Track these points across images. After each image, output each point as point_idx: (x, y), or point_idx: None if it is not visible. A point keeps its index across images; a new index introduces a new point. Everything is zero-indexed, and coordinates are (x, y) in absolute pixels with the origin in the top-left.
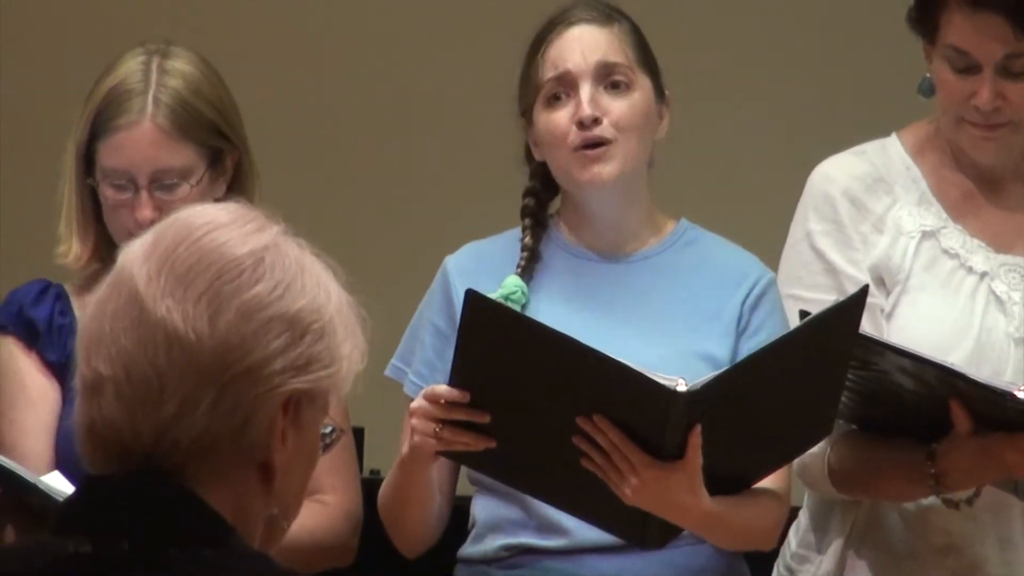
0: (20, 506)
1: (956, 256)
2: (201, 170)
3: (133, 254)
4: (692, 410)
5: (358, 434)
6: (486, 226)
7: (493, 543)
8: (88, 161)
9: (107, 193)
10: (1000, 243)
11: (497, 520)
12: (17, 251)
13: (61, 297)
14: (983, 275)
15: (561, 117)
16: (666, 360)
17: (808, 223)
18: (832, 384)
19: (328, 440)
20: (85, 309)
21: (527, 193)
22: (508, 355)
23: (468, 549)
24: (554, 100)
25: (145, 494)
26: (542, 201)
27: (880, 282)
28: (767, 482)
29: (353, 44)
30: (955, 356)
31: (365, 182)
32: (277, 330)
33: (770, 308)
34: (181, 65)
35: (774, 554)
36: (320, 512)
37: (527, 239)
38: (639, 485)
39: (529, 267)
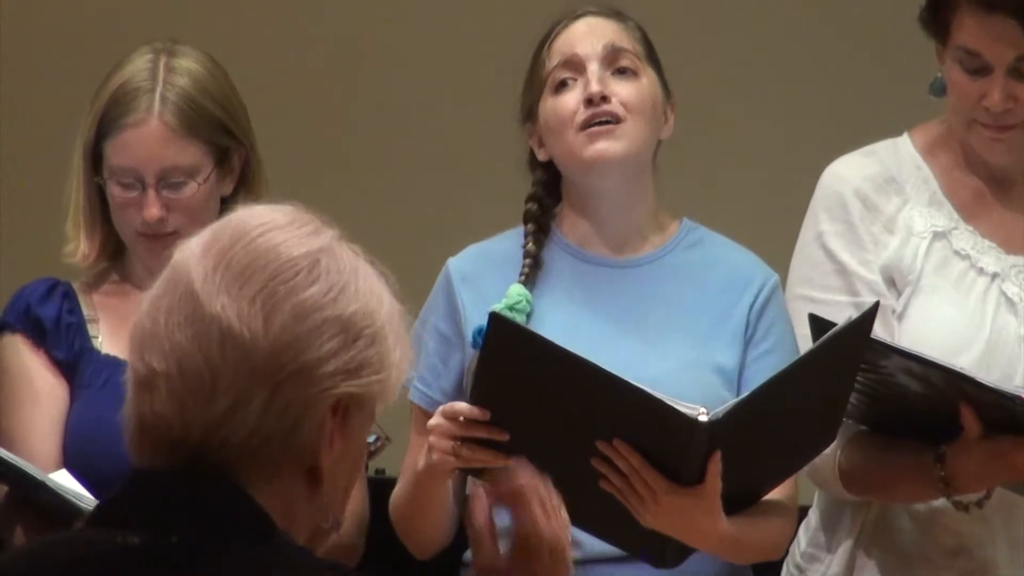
0: (28, 504)
1: (967, 257)
2: (208, 168)
3: (189, 251)
4: (713, 438)
5: None
6: (489, 226)
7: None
8: (95, 160)
9: (114, 191)
10: (1011, 244)
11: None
12: (24, 249)
13: (69, 295)
14: (994, 276)
15: (569, 98)
16: (675, 371)
17: (819, 224)
18: (840, 395)
19: (373, 448)
20: (93, 307)
21: (530, 198)
22: (530, 376)
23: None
24: (561, 86)
25: (195, 490)
26: (545, 206)
27: (891, 283)
28: (776, 492)
29: (360, 44)
30: (966, 357)
31: (370, 181)
32: (330, 332)
33: (775, 313)
34: (188, 63)
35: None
36: None
37: (530, 245)
38: (658, 510)
39: (532, 274)
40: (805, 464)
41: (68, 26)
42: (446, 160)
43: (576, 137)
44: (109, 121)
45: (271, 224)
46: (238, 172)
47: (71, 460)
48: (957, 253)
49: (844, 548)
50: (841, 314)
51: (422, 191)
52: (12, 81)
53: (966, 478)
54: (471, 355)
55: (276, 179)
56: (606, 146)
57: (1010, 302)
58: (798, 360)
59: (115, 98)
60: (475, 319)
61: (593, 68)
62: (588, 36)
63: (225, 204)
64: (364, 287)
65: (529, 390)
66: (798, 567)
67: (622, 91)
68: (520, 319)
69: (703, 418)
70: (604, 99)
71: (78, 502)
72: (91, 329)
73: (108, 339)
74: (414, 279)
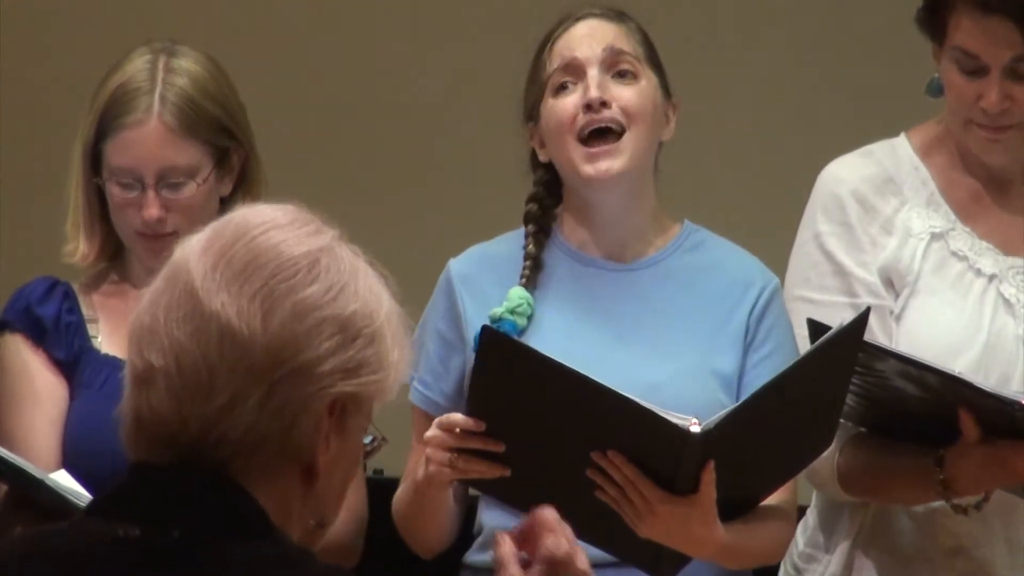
0: (27, 503)
1: (965, 258)
2: (208, 169)
3: (190, 249)
4: (706, 448)
5: None
6: (491, 226)
7: None
8: (95, 160)
9: (114, 192)
10: (1009, 245)
11: (504, 530)
12: (24, 249)
13: (68, 295)
14: (992, 277)
15: (569, 102)
16: (674, 376)
17: (817, 224)
18: (835, 400)
19: (370, 448)
20: (92, 307)
21: (531, 199)
22: (523, 388)
23: (473, 556)
24: (561, 89)
25: (195, 484)
26: (546, 207)
27: (889, 284)
28: (774, 497)
29: (360, 43)
30: (964, 359)
31: (369, 181)
32: (329, 331)
33: (775, 317)
34: (187, 64)
35: None
36: None
37: (531, 247)
38: (654, 520)
39: (533, 276)
40: (803, 468)
41: (68, 26)
42: (447, 160)
43: (576, 150)
44: (108, 121)
45: (272, 223)
46: (237, 172)
47: (70, 460)
48: (955, 254)
49: (842, 549)
50: (839, 315)
51: (422, 191)
52: (12, 81)
53: (965, 481)
54: (472, 357)
55: (275, 179)
56: (607, 165)
57: (1008, 303)
58: (790, 367)
59: (114, 98)
60: (476, 321)
61: (593, 72)
62: (588, 39)
63: (224, 204)
64: (363, 287)
65: (523, 402)
66: (796, 567)
67: (622, 95)
68: (521, 322)
69: (695, 428)
70: (604, 104)
71: (77, 501)
72: (90, 329)
73: (107, 339)
74: (414, 280)
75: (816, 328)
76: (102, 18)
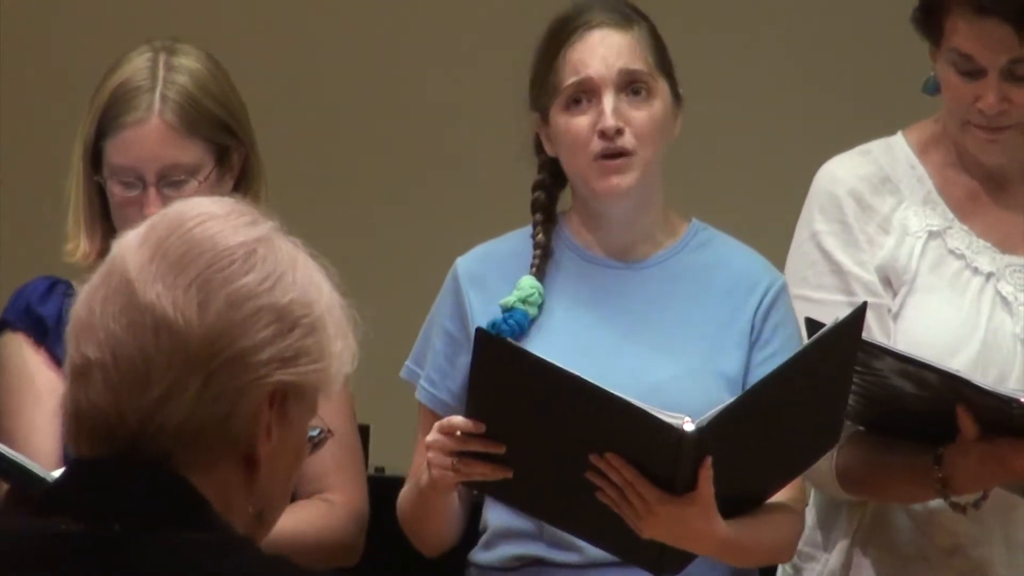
0: (29, 502)
1: (962, 257)
2: (209, 167)
3: (126, 243)
4: (701, 446)
5: (363, 431)
6: (497, 221)
7: (504, 552)
8: (95, 158)
9: (115, 190)
10: (1006, 244)
11: (509, 529)
12: (24, 249)
13: (69, 294)
14: (989, 276)
15: (582, 124)
16: (678, 376)
17: (814, 223)
18: (837, 397)
19: (316, 440)
20: None
21: (537, 187)
22: (520, 390)
23: (479, 555)
24: (574, 104)
25: (135, 477)
26: (552, 195)
27: (887, 282)
28: (781, 495)
29: (361, 42)
30: (961, 357)
31: (369, 179)
32: (265, 320)
33: (781, 316)
34: (188, 62)
35: None
36: (326, 511)
37: (540, 236)
38: (654, 521)
39: (543, 265)
40: (806, 468)
41: (68, 25)
42: (449, 158)
43: (589, 165)
44: (109, 120)
45: (208, 215)
46: (238, 170)
47: (71, 458)
48: (952, 252)
49: (840, 547)
50: (837, 313)
51: (424, 189)
52: (12, 81)
53: (964, 479)
54: None
55: (275, 178)
56: (618, 181)
57: (1005, 302)
58: (786, 362)
59: (115, 97)
60: (482, 319)
61: (608, 97)
62: (601, 55)
63: None
64: (302, 277)
65: (521, 403)
66: (794, 566)
67: (636, 119)
68: (532, 311)
69: (688, 427)
70: (619, 132)
71: None
72: None
73: None
74: (411, 278)
75: (814, 327)
76: (102, 17)
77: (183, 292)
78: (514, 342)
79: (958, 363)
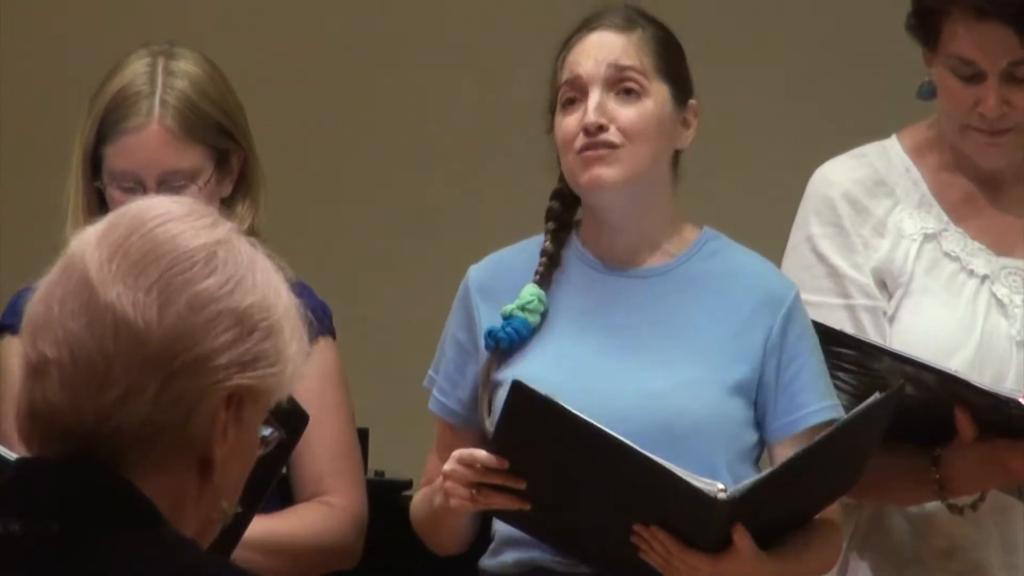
0: None
1: (957, 259)
2: (209, 171)
3: (85, 240)
4: (733, 512)
5: (362, 435)
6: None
7: (509, 558)
8: (95, 163)
9: (115, 195)
10: (1001, 246)
11: (515, 535)
12: (24, 250)
13: None
14: (984, 278)
15: (571, 122)
16: (680, 386)
17: (809, 227)
18: (865, 453)
19: (268, 440)
20: None
21: (554, 196)
22: (550, 440)
23: (487, 561)
24: (568, 104)
25: (76, 478)
26: (568, 205)
27: (882, 285)
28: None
29: (362, 43)
30: (957, 359)
31: (369, 181)
32: (225, 324)
33: (800, 330)
34: (186, 66)
35: None
36: (325, 514)
37: (547, 244)
38: None
39: (548, 274)
40: (831, 503)
41: (67, 27)
42: (448, 161)
43: (574, 159)
44: (109, 125)
45: (169, 215)
46: (237, 174)
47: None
48: (947, 255)
49: None
50: (833, 316)
51: (423, 193)
52: (12, 82)
53: (961, 481)
54: (485, 360)
55: (275, 181)
56: (600, 172)
57: (1000, 304)
58: (821, 439)
59: (115, 102)
60: None
61: (594, 93)
62: (593, 55)
63: (224, 206)
64: (261, 280)
65: (549, 451)
66: None
67: (622, 116)
68: (533, 319)
69: (722, 496)
70: (601, 128)
71: None
72: None
73: None
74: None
75: (820, 330)
76: (102, 18)
77: (144, 294)
78: (548, 395)
79: (954, 365)
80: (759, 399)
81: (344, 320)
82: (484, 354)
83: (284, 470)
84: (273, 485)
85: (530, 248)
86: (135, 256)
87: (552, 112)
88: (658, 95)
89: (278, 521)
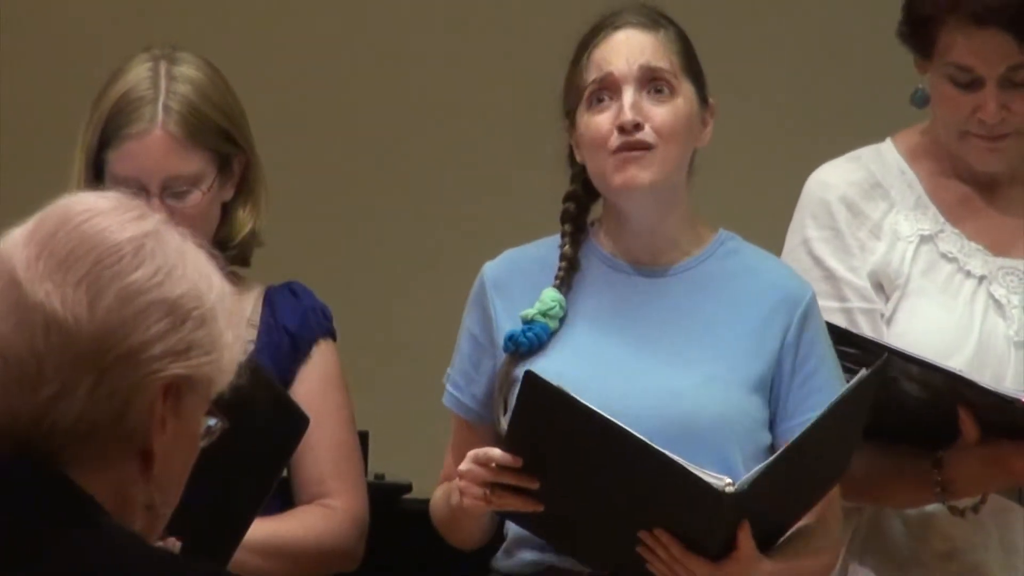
0: None
1: (954, 260)
2: (211, 176)
3: (12, 240)
4: (739, 508)
5: (362, 438)
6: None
7: (522, 558)
8: (97, 168)
9: None
10: (998, 246)
11: (528, 536)
12: None
13: None
14: (981, 279)
15: (603, 120)
16: (700, 384)
17: (805, 230)
18: (855, 433)
19: (213, 430)
20: None
21: (568, 197)
22: (561, 433)
23: (500, 562)
24: (597, 102)
25: (13, 477)
26: (583, 206)
27: (879, 288)
28: (820, 512)
29: (362, 44)
30: (955, 361)
31: (368, 183)
32: (157, 315)
33: (815, 332)
34: (189, 71)
35: None
36: (326, 517)
37: (566, 247)
38: None
39: (568, 277)
40: (825, 494)
41: (68, 28)
42: (449, 163)
43: (607, 160)
44: (112, 131)
45: (95, 210)
46: (238, 177)
47: None
48: (944, 256)
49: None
50: (831, 319)
51: (423, 192)
52: (12, 83)
53: (964, 483)
54: (502, 359)
55: (276, 181)
56: (635, 173)
57: (998, 304)
58: (817, 419)
59: (117, 107)
60: (506, 326)
61: (628, 92)
62: (624, 54)
63: (226, 209)
64: (192, 269)
65: (561, 445)
66: None
67: (656, 115)
68: (552, 324)
69: (729, 489)
70: (637, 127)
71: None
72: None
73: None
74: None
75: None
76: (103, 20)
77: (72, 290)
78: (562, 388)
79: (952, 366)
80: (771, 398)
81: (344, 322)
82: (500, 351)
83: (285, 473)
84: (274, 487)
85: (545, 247)
86: (62, 253)
87: (569, 113)
88: (687, 94)
89: (279, 524)
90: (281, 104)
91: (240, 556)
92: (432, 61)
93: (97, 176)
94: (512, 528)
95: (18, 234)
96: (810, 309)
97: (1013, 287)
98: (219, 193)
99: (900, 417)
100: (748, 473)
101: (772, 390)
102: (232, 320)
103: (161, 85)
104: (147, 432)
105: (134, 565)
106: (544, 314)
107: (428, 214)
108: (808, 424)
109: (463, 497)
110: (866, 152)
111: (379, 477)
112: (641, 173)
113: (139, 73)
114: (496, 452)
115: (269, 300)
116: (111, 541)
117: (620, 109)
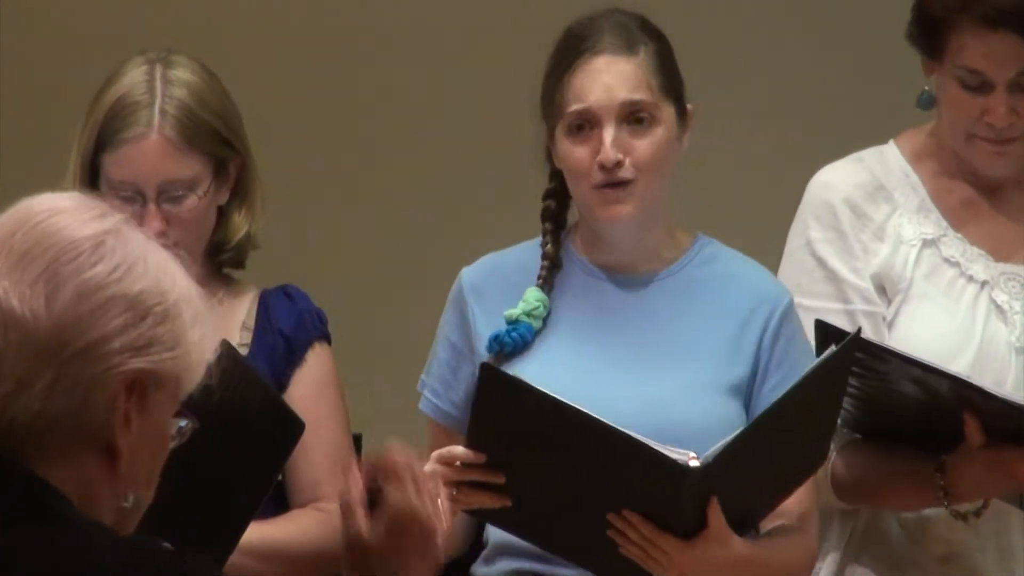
0: None
1: (956, 265)
2: (208, 180)
3: None
4: (706, 483)
5: (357, 441)
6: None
7: (503, 567)
8: (93, 172)
9: (114, 205)
10: (1000, 252)
11: (509, 544)
12: None
13: None
14: (983, 284)
15: (584, 153)
16: (680, 390)
17: (809, 231)
18: (831, 416)
19: (183, 432)
20: None
21: (547, 195)
22: (523, 423)
23: (479, 569)
24: (576, 130)
25: None
26: (563, 203)
27: (881, 290)
28: (794, 507)
29: (360, 45)
30: (957, 365)
31: (371, 189)
32: (116, 310)
33: (790, 336)
34: (184, 75)
35: None
36: (321, 520)
37: (548, 247)
38: (678, 569)
39: (550, 277)
40: (798, 487)
41: (62, 31)
42: (446, 166)
43: (589, 193)
44: (108, 135)
45: (54, 209)
46: (234, 180)
47: None
48: (947, 260)
49: (833, 557)
50: (832, 321)
51: (418, 195)
52: (7, 86)
53: (967, 487)
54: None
55: (271, 184)
56: (619, 209)
57: (1000, 310)
58: (786, 393)
59: (114, 112)
60: (484, 331)
61: (608, 128)
62: (604, 85)
63: (221, 212)
64: (153, 266)
65: (523, 435)
66: None
67: (637, 149)
68: (536, 324)
69: (693, 463)
70: (618, 164)
71: None
72: None
73: None
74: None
75: (824, 329)
76: (97, 22)
77: (29, 286)
78: (518, 377)
79: (966, 374)
80: (746, 400)
81: (339, 326)
82: (479, 356)
83: (280, 476)
84: (269, 491)
85: (524, 251)
86: (20, 251)
87: (547, 120)
88: (667, 119)
89: (274, 527)
90: (276, 106)
91: (236, 559)
92: (432, 62)
93: (92, 180)
94: (492, 535)
95: None
96: (787, 314)
97: (1015, 293)
98: (215, 196)
99: (900, 420)
100: (713, 447)
101: (747, 393)
102: (200, 319)
103: (157, 89)
104: (109, 428)
105: (101, 554)
106: (528, 314)
107: (425, 218)
108: (776, 401)
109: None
110: (869, 154)
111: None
112: (624, 208)
113: (135, 77)
114: (459, 450)
115: (264, 303)
116: (77, 533)
117: (601, 144)
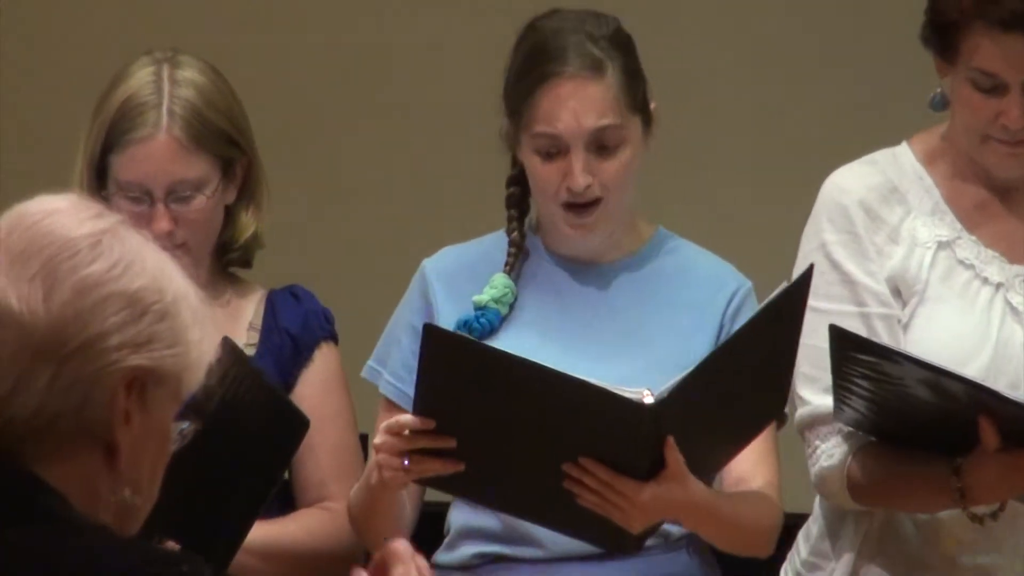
0: None
1: (971, 267)
2: (215, 180)
3: None
4: (662, 420)
5: (363, 441)
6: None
7: (466, 551)
8: (100, 173)
9: (121, 205)
10: (1014, 253)
11: (470, 528)
12: None
13: None
14: (998, 286)
15: (552, 173)
16: (644, 371)
17: (823, 233)
18: (786, 363)
19: (184, 435)
20: None
21: (511, 182)
22: (471, 382)
23: (441, 556)
24: (544, 151)
25: None
26: (526, 188)
27: (897, 293)
28: (757, 483)
29: (367, 42)
30: (972, 367)
31: (367, 184)
32: (115, 307)
33: (751, 315)
34: (192, 75)
35: (773, 565)
36: (327, 519)
37: (514, 233)
38: (640, 513)
39: (516, 263)
40: (755, 437)
41: (68, 31)
42: (450, 165)
43: (557, 211)
44: (116, 136)
45: (51, 210)
46: (240, 180)
47: None
48: (961, 263)
49: (847, 557)
50: (847, 324)
51: (424, 195)
52: (13, 86)
53: (983, 490)
54: None
55: (277, 184)
56: (586, 227)
57: (1015, 311)
58: (738, 331)
59: (121, 112)
60: (448, 316)
61: (578, 155)
62: (572, 111)
63: (228, 212)
64: (151, 265)
65: (472, 395)
66: (799, 575)
67: (605, 171)
68: (504, 310)
69: (648, 399)
70: (587, 187)
71: None
72: None
73: None
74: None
75: (839, 334)
76: (103, 22)
77: (27, 284)
78: (462, 334)
79: (969, 374)
80: None
81: (346, 326)
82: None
83: (286, 475)
84: (274, 490)
85: (486, 243)
86: (17, 250)
87: (511, 118)
88: (634, 135)
89: (280, 526)
90: (282, 106)
91: (241, 559)
92: (433, 63)
93: (99, 180)
94: (454, 521)
95: None
96: (746, 299)
97: None
98: (223, 196)
99: (914, 423)
100: (668, 383)
101: None
102: (199, 319)
103: (164, 89)
104: (109, 425)
105: (100, 555)
106: (496, 300)
107: (432, 219)
108: (728, 336)
109: (383, 472)
110: (882, 156)
111: None
112: (591, 225)
113: (142, 77)
114: (407, 418)
115: (271, 303)
116: (77, 533)
117: (569, 171)
